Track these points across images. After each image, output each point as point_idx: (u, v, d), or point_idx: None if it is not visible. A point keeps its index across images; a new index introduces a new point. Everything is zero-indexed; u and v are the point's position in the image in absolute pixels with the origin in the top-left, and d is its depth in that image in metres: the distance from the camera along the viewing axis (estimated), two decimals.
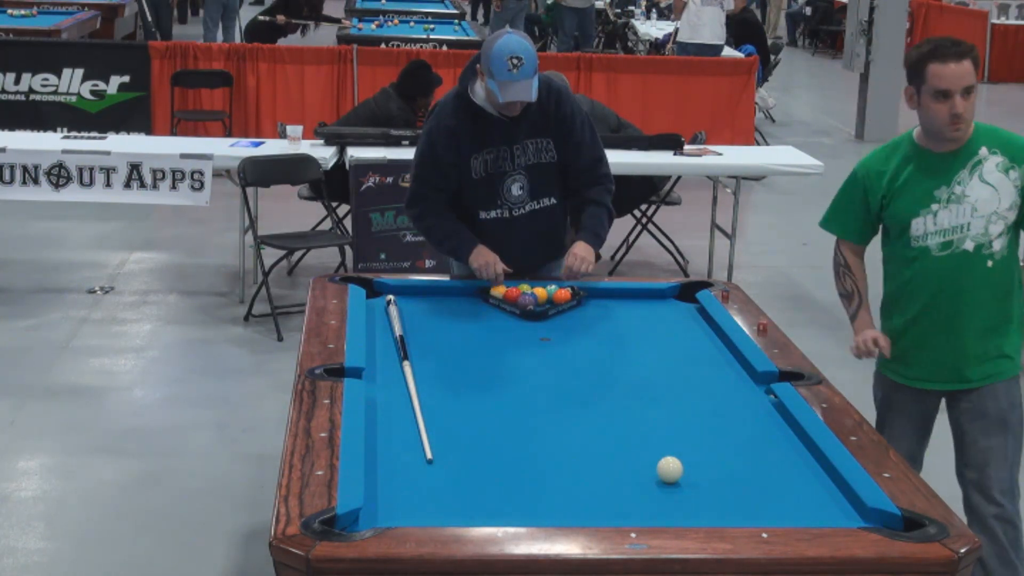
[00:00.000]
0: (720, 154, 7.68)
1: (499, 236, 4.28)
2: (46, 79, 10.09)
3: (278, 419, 3.57)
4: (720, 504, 2.77)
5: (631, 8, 16.96)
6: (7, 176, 6.97)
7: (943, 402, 3.75)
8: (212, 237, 8.25)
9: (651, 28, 14.99)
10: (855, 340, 3.71)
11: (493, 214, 4.32)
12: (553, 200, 4.37)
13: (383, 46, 11.23)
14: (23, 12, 12.87)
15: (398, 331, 3.75)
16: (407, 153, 6.99)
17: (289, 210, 7.83)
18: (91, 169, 6.98)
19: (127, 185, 7.01)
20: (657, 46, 13.74)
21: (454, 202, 4.35)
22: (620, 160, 6.92)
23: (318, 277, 4.32)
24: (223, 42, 13.18)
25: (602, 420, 3.25)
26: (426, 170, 4.34)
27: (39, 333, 6.50)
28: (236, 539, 4.45)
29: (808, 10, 20.18)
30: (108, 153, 7.03)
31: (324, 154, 7.11)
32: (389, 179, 6.99)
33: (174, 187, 7.01)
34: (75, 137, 7.53)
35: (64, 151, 7.01)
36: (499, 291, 4.11)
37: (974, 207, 3.52)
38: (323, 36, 13.56)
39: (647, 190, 7.70)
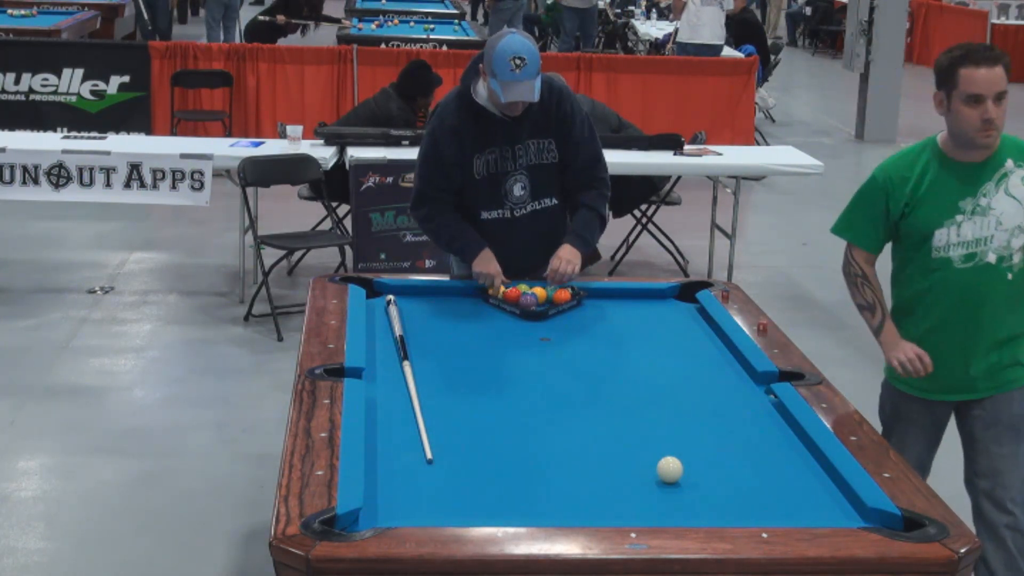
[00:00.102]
0: (720, 154, 7.68)
1: (500, 236, 4.29)
2: (46, 79, 10.09)
3: (278, 419, 3.57)
4: (720, 504, 2.77)
5: (631, 8, 16.96)
6: (7, 176, 6.97)
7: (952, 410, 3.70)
8: (212, 237, 8.25)
9: (651, 28, 14.99)
10: (894, 356, 3.57)
11: (495, 214, 4.32)
12: (554, 201, 4.37)
13: (383, 46, 11.24)
14: (23, 12, 12.87)
15: (398, 331, 3.75)
16: (407, 153, 7.02)
17: (289, 210, 7.83)
18: (91, 169, 6.98)
19: (127, 185, 7.01)
20: (657, 46, 13.74)
21: (457, 202, 4.36)
22: (620, 160, 6.93)
23: (318, 277, 4.32)
24: (223, 42, 13.19)
25: (602, 420, 3.25)
26: (430, 170, 4.34)
27: (39, 333, 6.50)
28: (236, 539, 4.45)
29: (808, 10, 20.19)
30: (108, 153, 7.03)
31: (324, 154, 7.11)
32: (389, 179, 6.99)
33: (174, 187, 7.02)
34: (75, 137, 7.53)
35: (64, 151, 7.01)
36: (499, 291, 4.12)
37: (999, 220, 3.47)
38: (323, 36, 13.56)
39: (647, 190, 7.70)
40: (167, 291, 7.27)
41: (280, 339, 6.44)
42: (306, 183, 7.27)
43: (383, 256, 7.03)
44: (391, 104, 7.61)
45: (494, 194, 4.29)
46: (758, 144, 10.95)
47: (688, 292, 4.27)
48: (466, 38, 12.43)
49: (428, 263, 7.03)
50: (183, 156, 7.03)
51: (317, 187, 7.12)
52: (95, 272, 7.53)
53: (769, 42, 13.93)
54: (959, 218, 3.49)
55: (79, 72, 10.11)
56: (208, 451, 5.21)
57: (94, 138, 7.49)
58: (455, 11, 15.14)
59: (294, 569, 2.44)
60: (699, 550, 2.51)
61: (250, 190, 7.01)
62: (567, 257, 4.19)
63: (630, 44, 15.20)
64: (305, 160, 7.01)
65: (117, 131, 9.10)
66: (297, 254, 7.53)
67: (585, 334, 3.94)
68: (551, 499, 2.79)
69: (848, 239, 3.70)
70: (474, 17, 19.28)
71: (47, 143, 7.27)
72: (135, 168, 6.98)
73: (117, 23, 14.55)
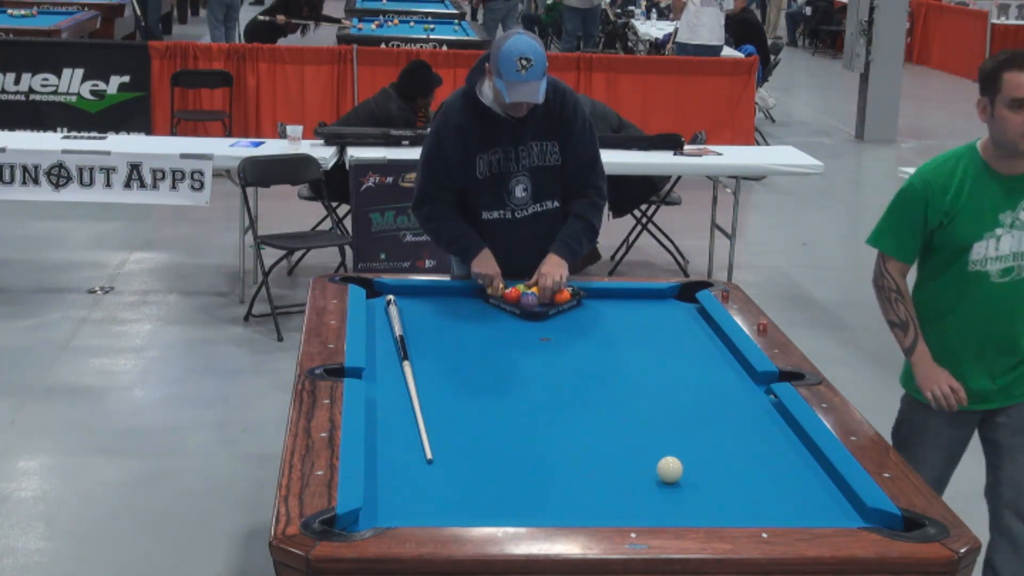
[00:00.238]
0: (720, 154, 7.68)
1: (501, 237, 4.28)
2: (46, 79, 10.09)
3: (278, 419, 3.57)
4: (720, 504, 2.77)
5: (631, 8, 16.96)
6: (7, 176, 6.97)
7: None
8: (212, 237, 8.25)
9: (651, 28, 14.99)
10: (929, 388, 3.48)
11: (496, 214, 4.32)
12: (556, 203, 4.35)
13: (383, 46, 11.24)
14: (23, 12, 12.87)
15: (398, 331, 3.75)
16: (407, 153, 7.02)
17: (289, 210, 7.83)
18: (91, 169, 6.98)
19: (127, 185, 7.01)
20: (657, 46, 13.74)
21: (459, 201, 4.35)
22: (620, 160, 6.94)
23: (318, 277, 4.32)
24: (223, 42, 13.20)
25: (602, 420, 3.25)
26: (434, 169, 4.33)
27: (39, 333, 6.50)
28: (236, 539, 4.45)
29: (808, 10, 20.18)
30: (108, 153, 7.03)
31: (324, 154, 7.11)
32: (389, 179, 6.99)
33: (174, 187, 7.02)
34: (75, 137, 7.54)
35: (64, 151, 7.01)
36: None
37: None
38: (323, 36, 13.56)
39: (647, 190, 7.70)
40: (167, 291, 7.27)
41: (280, 339, 6.44)
42: (306, 183, 7.27)
43: (383, 256, 7.03)
44: (391, 104, 7.61)
45: (496, 194, 4.29)
46: (758, 144, 10.96)
47: (688, 292, 4.27)
48: (466, 38, 12.43)
49: (428, 263, 7.03)
50: (183, 156, 7.03)
51: (317, 187, 7.13)
52: (95, 272, 7.53)
53: (769, 42, 13.93)
54: (999, 231, 3.40)
55: (79, 72, 10.11)
56: (208, 451, 5.21)
57: (94, 138, 7.49)
58: (455, 11, 15.14)
59: (294, 569, 2.44)
60: (699, 550, 2.51)
61: (250, 190, 7.01)
62: (550, 271, 4.13)
63: (630, 44, 15.21)
64: (305, 160, 7.01)
65: (117, 131, 9.11)
66: (297, 254, 7.53)
67: (585, 334, 3.94)
68: (551, 499, 2.79)
69: (883, 250, 3.55)
70: (474, 17, 19.27)
71: (47, 143, 7.27)
72: (135, 168, 6.98)
73: (117, 23, 14.54)
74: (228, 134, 9.76)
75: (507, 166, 4.26)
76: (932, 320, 3.54)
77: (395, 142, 7.23)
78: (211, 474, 4.98)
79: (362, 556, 2.44)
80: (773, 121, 13.37)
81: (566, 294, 4.11)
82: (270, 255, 6.98)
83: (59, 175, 6.97)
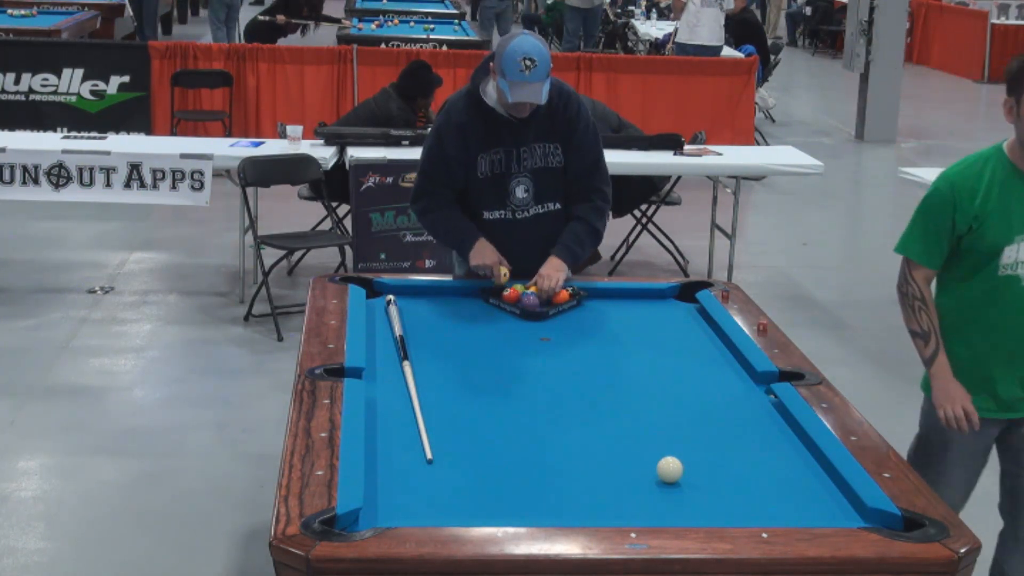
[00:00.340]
0: (720, 154, 7.68)
1: (501, 237, 4.28)
2: (46, 79, 10.09)
3: (278, 419, 3.57)
4: (720, 504, 2.77)
5: (631, 8, 16.96)
6: (7, 176, 6.97)
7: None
8: (212, 237, 8.25)
9: (651, 28, 15.00)
10: (943, 407, 3.40)
11: (496, 214, 4.31)
12: (557, 205, 4.35)
13: (383, 46, 11.24)
14: (23, 12, 12.88)
15: (398, 331, 3.75)
16: (407, 153, 7.03)
17: (289, 210, 7.83)
18: (91, 169, 6.98)
19: (127, 185, 7.01)
20: (657, 46, 13.75)
21: (459, 201, 4.35)
22: (620, 160, 6.93)
23: (318, 277, 4.32)
24: (223, 42, 13.20)
25: (602, 420, 3.25)
26: (433, 166, 4.33)
27: (39, 333, 6.50)
28: (236, 539, 4.45)
29: (808, 10, 20.19)
30: (108, 153, 7.03)
31: (324, 154, 7.11)
32: (389, 179, 6.99)
33: (174, 187, 7.02)
34: (75, 137, 7.54)
35: (64, 151, 7.01)
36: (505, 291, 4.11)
37: None
38: (323, 36, 13.56)
39: (647, 190, 7.70)
40: (167, 291, 7.27)
41: (280, 339, 6.45)
42: (306, 183, 7.27)
43: (383, 256, 7.03)
44: (391, 104, 7.62)
45: (497, 195, 4.29)
46: (758, 144, 10.96)
47: (688, 292, 4.27)
48: (466, 38, 12.43)
49: (428, 263, 7.03)
50: (183, 156, 7.03)
51: (317, 187, 7.13)
52: (95, 272, 7.53)
53: (769, 42, 13.93)
54: None
55: (79, 72, 10.11)
56: (208, 451, 5.21)
57: (94, 138, 7.49)
58: (455, 11, 15.14)
59: (294, 569, 2.44)
60: (699, 550, 2.51)
61: (250, 190, 7.01)
62: (549, 274, 4.13)
63: (630, 44, 15.21)
64: (305, 160, 7.01)
65: (117, 131, 9.10)
66: (297, 254, 7.53)
67: (585, 334, 3.94)
68: (551, 499, 2.79)
69: (910, 256, 3.47)
70: (474, 17, 19.28)
71: (47, 143, 7.27)
72: (135, 168, 6.98)
73: (117, 23, 14.55)
74: (228, 134, 9.76)
75: (508, 167, 4.26)
76: (960, 326, 3.46)
77: (395, 142, 7.23)
78: (211, 474, 4.98)
79: (362, 556, 2.44)
80: (773, 121, 13.37)
81: (566, 294, 4.11)
82: (270, 255, 6.98)
83: (59, 175, 6.97)
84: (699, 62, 11.01)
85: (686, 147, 7.61)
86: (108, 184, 7.00)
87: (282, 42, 11.97)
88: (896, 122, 12.68)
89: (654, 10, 16.79)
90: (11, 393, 5.71)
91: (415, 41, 11.85)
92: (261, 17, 12.92)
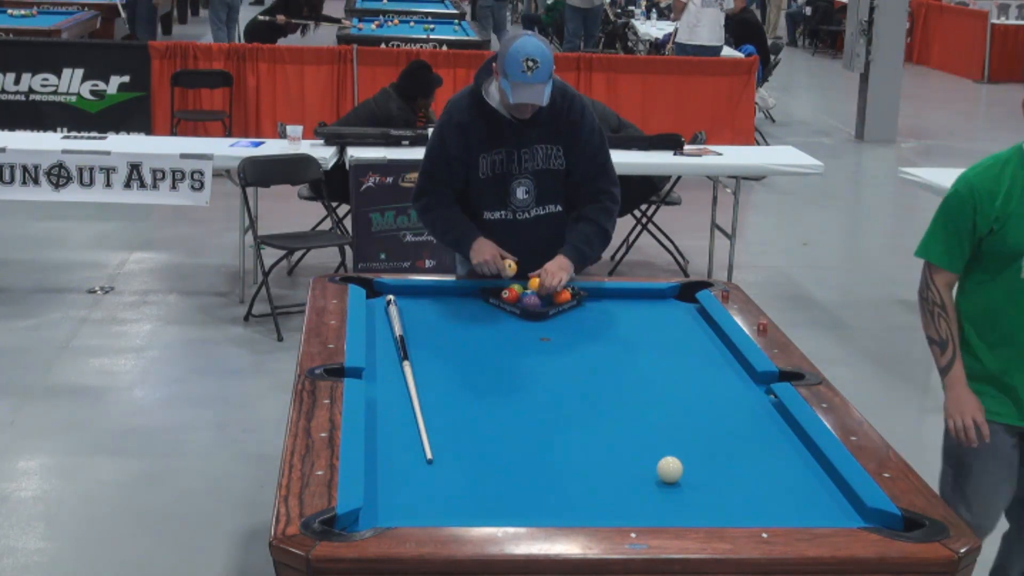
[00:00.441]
0: (720, 154, 7.69)
1: (502, 237, 4.28)
2: (46, 79, 10.10)
3: (278, 419, 3.57)
4: (720, 504, 2.77)
5: (631, 8, 16.97)
6: (7, 176, 6.97)
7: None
8: (212, 237, 8.25)
9: (651, 28, 15.00)
10: (952, 417, 3.35)
11: (497, 215, 4.31)
12: (559, 208, 4.35)
13: (383, 46, 11.24)
14: (23, 12, 12.88)
15: (398, 331, 3.75)
16: (407, 153, 7.03)
17: (289, 210, 7.83)
18: (91, 169, 6.98)
19: (127, 185, 7.01)
20: (657, 46, 13.75)
21: (461, 201, 4.35)
22: (620, 160, 6.86)
23: (318, 277, 4.32)
24: (223, 42, 13.20)
25: (601, 420, 3.25)
26: (435, 165, 4.33)
27: (39, 333, 6.50)
28: (236, 539, 4.45)
29: (808, 10, 20.19)
30: (108, 153, 7.03)
31: (324, 154, 7.11)
32: (389, 179, 6.99)
33: (174, 187, 7.02)
34: (75, 137, 7.54)
35: (64, 151, 7.01)
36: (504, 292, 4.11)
37: None
38: (323, 36, 13.57)
39: (647, 190, 7.70)
40: (167, 291, 7.27)
41: (280, 339, 6.45)
42: (306, 183, 7.27)
43: (383, 256, 7.04)
44: (391, 104, 7.62)
45: (497, 195, 4.28)
46: (758, 144, 10.96)
47: (688, 292, 4.27)
48: (466, 38, 12.44)
49: (428, 263, 7.03)
50: (183, 156, 7.03)
51: (317, 187, 7.13)
52: (95, 272, 7.53)
53: (769, 42, 13.93)
54: None
55: (79, 72, 10.11)
56: (208, 451, 5.21)
57: (94, 138, 7.49)
58: (455, 11, 15.15)
59: (294, 569, 2.44)
60: (699, 550, 2.51)
61: (250, 190, 7.01)
62: (554, 270, 4.12)
63: (630, 44, 15.21)
64: (305, 160, 7.02)
65: (117, 131, 9.10)
66: (297, 254, 7.53)
67: (585, 334, 3.94)
68: (551, 499, 2.79)
69: (931, 260, 3.41)
70: (474, 17, 19.30)
71: (47, 143, 7.27)
72: (135, 168, 6.98)
73: (117, 23, 14.55)
74: (228, 134, 9.76)
75: (509, 167, 4.25)
76: (981, 329, 3.41)
77: (395, 142, 7.23)
78: (211, 474, 4.98)
79: (362, 556, 2.44)
80: (773, 121, 13.38)
81: (566, 294, 4.11)
82: (270, 255, 6.98)
83: (59, 175, 6.97)
84: (699, 62, 11.01)
85: (686, 147, 7.61)
86: (108, 184, 7.00)
87: (282, 42, 11.98)
88: (896, 122, 12.69)
89: (654, 10, 16.80)
90: (11, 393, 5.71)
91: (415, 41, 11.86)
92: (261, 17, 12.93)
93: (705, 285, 4.31)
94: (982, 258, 3.36)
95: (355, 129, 7.46)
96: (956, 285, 3.45)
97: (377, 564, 2.44)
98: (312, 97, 10.26)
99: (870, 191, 11.21)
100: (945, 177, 7.09)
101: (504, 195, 4.28)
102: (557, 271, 4.12)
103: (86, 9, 13.86)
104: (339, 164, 7.16)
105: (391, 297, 4.06)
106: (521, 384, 3.52)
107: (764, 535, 2.55)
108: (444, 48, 11.19)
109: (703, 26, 11.79)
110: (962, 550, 2.53)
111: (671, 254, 7.91)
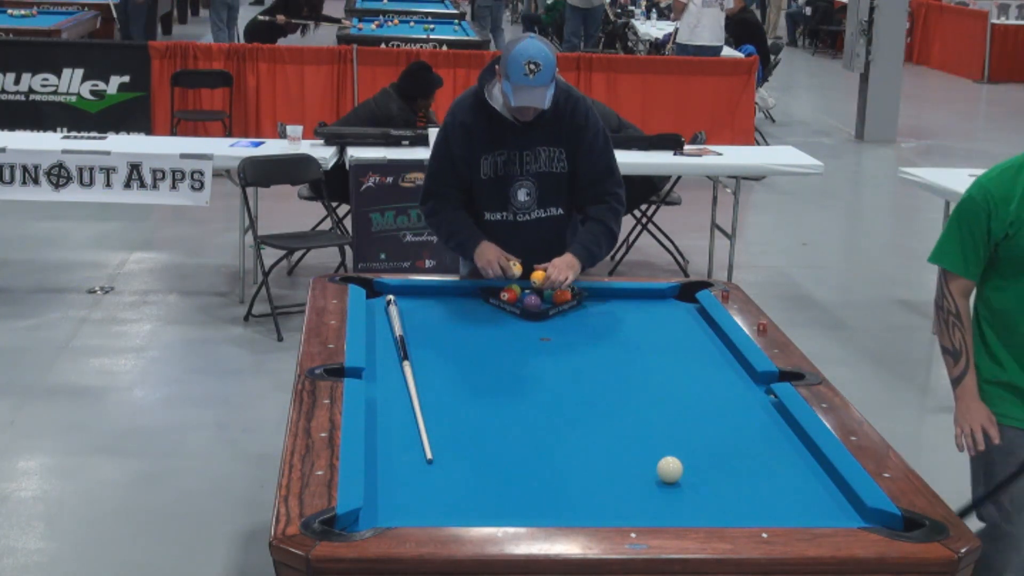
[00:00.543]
0: (720, 154, 7.69)
1: (502, 238, 4.27)
2: (46, 79, 10.10)
3: (278, 419, 3.57)
4: (720, 504, 2.77)
5: (631, 8, 16.96)
6: (7, 176, 6.97)
7: None
8: (212, 237, 8.25)
9: (651, 28, 15.00)
10: (961, 425, 3.33)
11: (498, 216, 4.31)
12: (560, 211, 4.34)
13: (383, 46, 11.24)
14: (23, 12, 12.89)
15: (398, 331, 3.75)
16: (407, 153, 7.03)
17: (289, 210, 7.83)
18: (91, 169, 6.98)
19: (127, 185, 7.01)
20: (657, 46, 13.75)
21: (467, 201, 4.35)
22: (620, 160, 6.83)
23: (318, 277, 4.32)
24: (223, 42, 13.20)
25: (601, 420, 3.25)
26: (440, 165, 4.33)
27: (39, 333, 6.50)
28: (236, 539, 4.45)
29: (808, 10, 20.20)
30: (108, 153, 7.03)
31: (324, 154, 7.11)
32: (389, 179, 6.99)
33: (174, 187, 7.02)
34: (75, 137, 7.54)
35: (64, 151, 7.01)
36: (504, 292, 4.10)
37: None
38: (323, 36, 13.57)
39: (647, 190, 7.70)
40: (167, 291, 7.27)
41: (280, 339, 6.44)
42: (306, 183, 7.27)
43: (383, 256, 7.04)
44: (391, 104, 7.62)
45: (499, 197, 4.28)
46: (758, 144, 10.96)
47: (688, 292, 4.27)
48: (466, 38, 12.44)
49: (428, 263, 7.03)
50: (183, 156, 7.03)
51: (317, 187, 7.13)
52: (95, 272, 7.53)
53: (769, 42, 13.93)
54: None
55: (79, 72, 10.11)
56: (208, 451, 5.21)
57: (94, 138, 7.49)
58: (455, 11, 15.15)
59: (294, 569, 2.44)
60: (699, 550, 2.51)
61: (250, 190, 7.01)
62: (561, 265, 4.12)
63: (630, 44, 15.21)
64: (305, 160, 7.02)
65: (117, 131, 9.11)
66: (297, 254, 7.53)
67: (585, 334, 3.94)
68: (551, 499, 2.79)
69: (946, 266, 3.36)
70: (474, 18, 19.30)
71: (47, 143, 7.27)
72: (135, 168, 6.98)
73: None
74: (228, 134, 9.77)
75: (511, 169, 4.25)
76: (998, 335, 3.37)
77: (395, 142, 7.23)
78: (211, 474, 4.98)
79: (362, 556, 2.44)
80: (773, 121, 13.38)
81: (567, 294, 4.11)
82: (270, 255, 6.98)
83: (59, 175, 6.97)
84: (699, 62, 11.01)
85: (686, 147, 7.61)
86: (108, 184, 7.00)
87: (282, 42, 11.98)
88: (896, 122, 12.69)
89: (654, 10, 16.80)
90: (11, 393, 5.71)
91: (415, 41, 11.86)
92: (261, 17, 12.93)
93: (705, 285, 4.31)
94: (997, 264, 3.32)
95: (355, 129, 7.46)
96: (974, 292, 3.41)
97: (377, 564, 2.44)
98: (312, 97, 10.26)
99: (870, 191, 11.21)
100: (945, 177, 7.10)
101: (505, 197, 4.28)
102: (565, 268, 4.11)
103: (86, 9, 13.87)
104: (339, 164, 7.16)
105: (391, 297, 4.06)
106: (521, 384, 3.52)
107: (764, 535, 2.55)
108: (444, 48, 11.19)
109: (703, 26, 11.78)
110: (962, 550, 2.53)
111: (671, 254, 7.91)
